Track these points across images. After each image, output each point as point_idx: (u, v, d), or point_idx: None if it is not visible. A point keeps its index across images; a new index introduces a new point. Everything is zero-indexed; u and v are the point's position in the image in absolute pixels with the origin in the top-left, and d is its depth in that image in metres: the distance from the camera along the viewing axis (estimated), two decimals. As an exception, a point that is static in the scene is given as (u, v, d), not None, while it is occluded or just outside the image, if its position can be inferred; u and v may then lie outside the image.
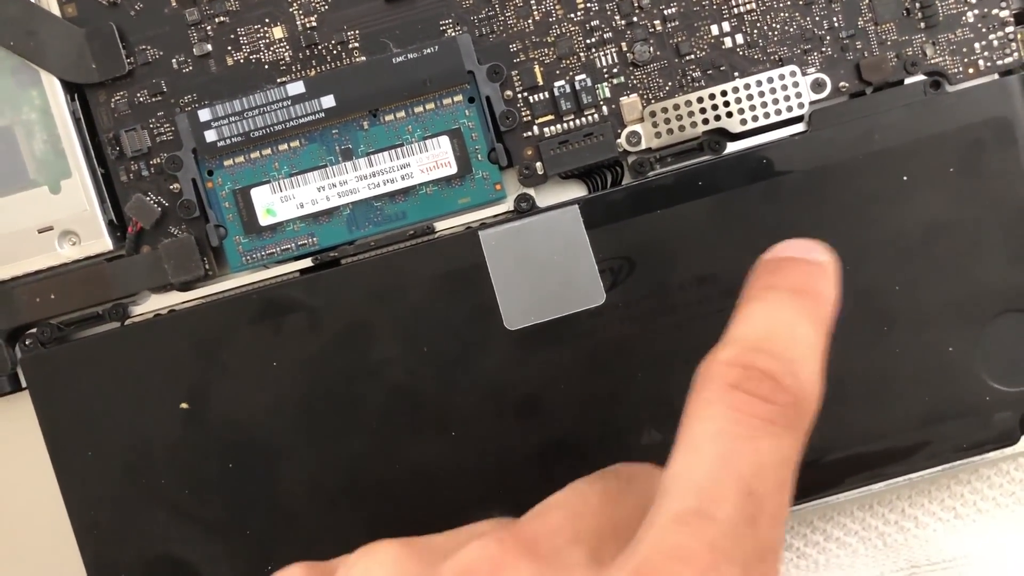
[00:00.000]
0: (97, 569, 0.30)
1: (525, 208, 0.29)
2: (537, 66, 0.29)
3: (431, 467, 0.29)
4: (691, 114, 0.29)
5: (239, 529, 0.30)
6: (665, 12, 0.29)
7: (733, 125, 0.29)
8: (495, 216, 0.30)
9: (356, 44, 0.29)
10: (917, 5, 0.29)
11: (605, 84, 0.29)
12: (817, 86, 0.29)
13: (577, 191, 0.30)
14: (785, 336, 0.20)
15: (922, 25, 0.29)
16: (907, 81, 0.29)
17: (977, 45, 0.29)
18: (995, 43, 0.29)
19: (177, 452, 0.29)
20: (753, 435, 0.18)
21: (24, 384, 0.30)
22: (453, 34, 0.29)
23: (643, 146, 0.29)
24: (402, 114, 0.29)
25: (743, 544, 0.17)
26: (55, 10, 0.29)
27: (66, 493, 0.30)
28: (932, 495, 0.32)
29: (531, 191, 0.30)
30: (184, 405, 0.29)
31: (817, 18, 0.29)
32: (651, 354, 0.29)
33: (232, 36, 0.29)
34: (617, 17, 0.29)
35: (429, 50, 0.29)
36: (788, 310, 0.21)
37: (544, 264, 0.29)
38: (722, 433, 0.18)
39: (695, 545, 0.17)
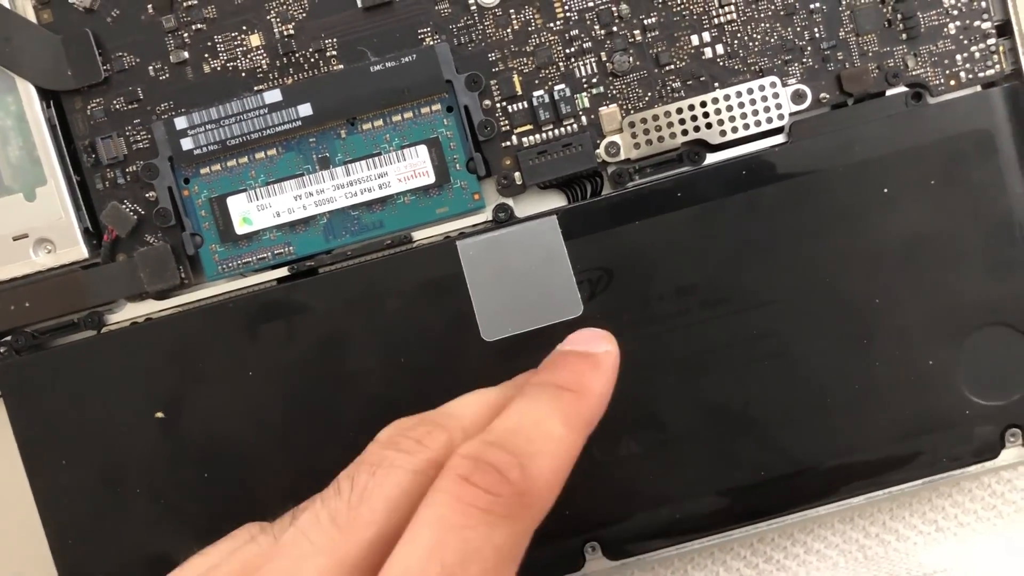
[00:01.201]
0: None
1: (503, 218, 0.29)
2: (516, 75, 0.29)
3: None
4: (671, 125, 0.29)
5: (214, 539, 0.29)
6: (645, 22, 0.29)
7: (713, 136, 0.29)
8: (473, 226, 0.30)
9: (334, 52, 0.29)
10: (899, 16, 0.29)
11: (584, 94, 0.29)
12: (798, 97, 0.29)
13: (557, 201, 0.30)
14: (527, 431, 0.22)
15: (904, 36, 0.29)
16: (888, 93, 0.29)
17: (959, 57, 0.29)
18: (977, 55, 0.29)
19: (152, 461, 0.29)
20: (466, 524, 0.20)
21: (0, 395, 0.30)
22: (431, 43, 0.29)
23: (622, 157, 0.29)
24: (380, 123, 0.29)
25: None
26: (31, 16, 0.29)
27: (40, 502, 0.29)
28: (913, 508, 0.32)
29: (509, 201, 0.29)
30: (159, 414, 0.29)
31: (798, 29, 0.29)
32: (629, 365, 0.29)
33: (209, 43, 0.29)
34: (597, 27, 0.29)
35: (407, 59, 0.29)
36: (542, 406, 0.23)
37: (522, 275, 0.29)
38: (439, 520, 0.20)
39: None
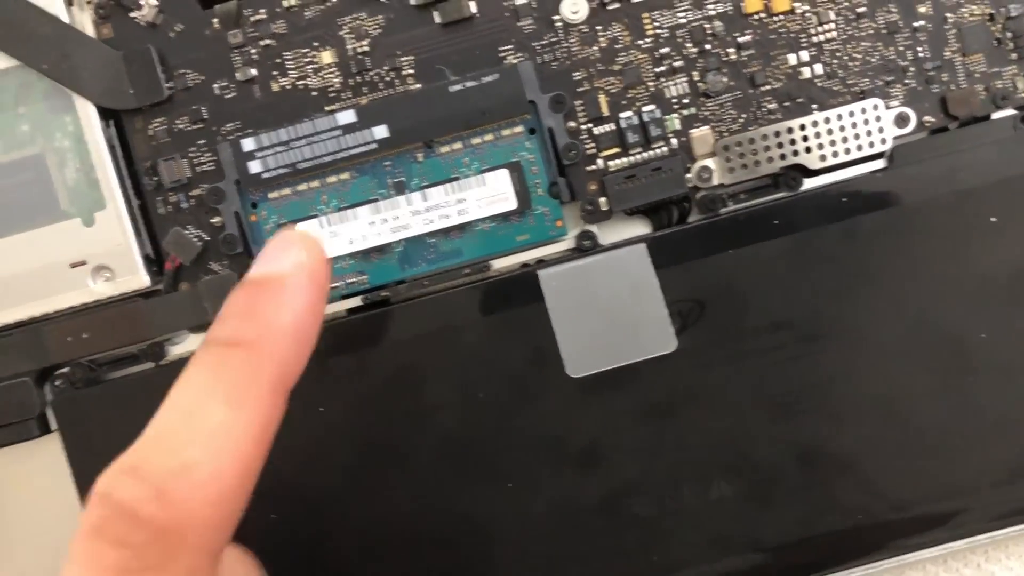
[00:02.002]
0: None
1: (588, 246, 0.28)
2: (603, 96, 0.27)
3: (485, 519, 0.28)
4: (767, 148, 0.27)
5: (279, 582, 0.28)
6: (739, 40, 0.27)
7: (811, 161, 0.27)
8: (555, 254, 0.28)
9: (411, 71, 0.27)
10: (1008, 35, 0.27)
11: (675, 115, 0.27)
12: (900, 120, 0.27)
13: (640, 228, 0.28)
14: (176, 434, 0.17)
15: (1013, 56, 0.27)
16: (995, 116, 0.28)
17: (1072, 78, 0.27)
18: (1092, 76, 0.27)
19: (215, 501, 0.28)
20: None
21: (54, 427, 0.28)
22: (514, 61, 0.27)
23: (715, 182, 0.27)
24: (458, 145, 0.27)
25: None
26: (90, 31, 0.27)
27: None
28: (1010, 550, 0.30)
29: (594, 228, 0.28)
30: (224, 451, 0.28)
31: (901, 48, 0.27)
32: (720, 403, 0.27)
33: (278, 60, 0.27)
34: (688, 44, 0.27)
35: (489, 78, 0.27)
36: (199, 384, 0.18)
37: (609, 306, 0.27)
38: None
39: None
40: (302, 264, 0.19)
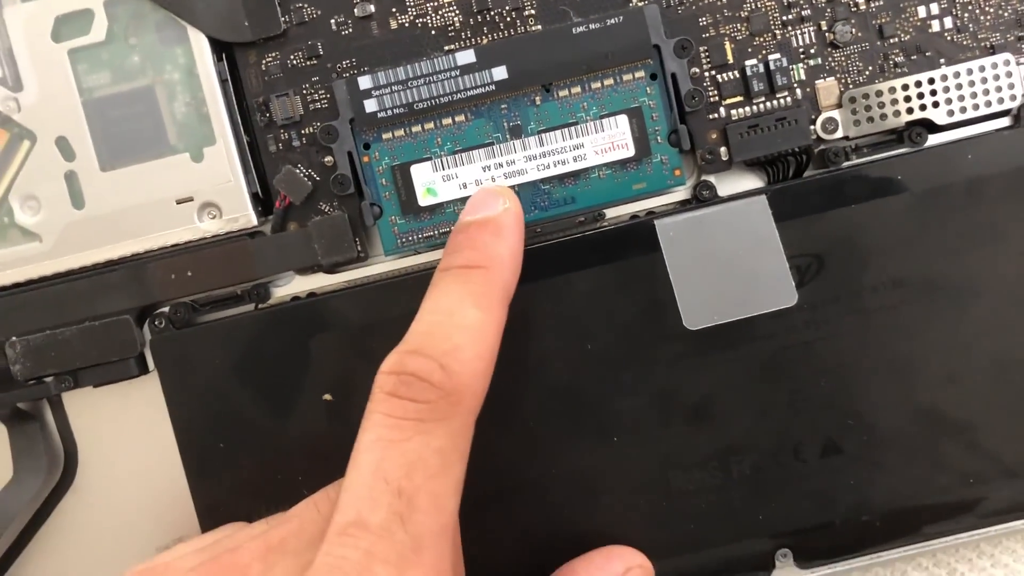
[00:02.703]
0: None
1: (706, 197, 0.27)
2: (728, 42, 0.27)
3: (590, 472, 0.27)
4: (894, 102, 0.27)
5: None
6: (870, -11, 0.27)
7: (939, 116, 0.27)
8: (671, 205, 0.28)
9: (532, 11, 0.27)
10: None
11: (800, 65, 0.27)
12: (1031, 77, 0.27)
13: (753, 179, 0.28)
14: (442, 327, 0.22)
15: None
16: None
17: None
18: None
19: (317, 447, 0.27)
20: (402, 437, 0.20)
21: (153, 367, 0.27)
22: (640, 4, 0.27)
23: (839, 134, 0.27)
24: (577, 89, 0.27)
25: (395, 542, 0.19)
26: (204, -39, 0.26)
27: (193, 483, 0.27)
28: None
29: (712, 178, 0.27)
30: (327, 397, 0.27)
31: (1034, 2, 0.27)
32: (837, 360, 0.27)
33: (398, -4, 0.27)
34: (817, -8, 0.27)
35: (613, 20, 0.26)
36: (452, 295, 0.22)
37: (727, 259, 0.27)
38: (377, 441, 0.20)
39: (353, 555, 0.19)
40: (510, 209, 0.24)
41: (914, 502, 0.27)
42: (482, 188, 0.25)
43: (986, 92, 0.27)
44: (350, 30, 0.27)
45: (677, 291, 0.27)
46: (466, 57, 0.26)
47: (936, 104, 0.27)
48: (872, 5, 0.27)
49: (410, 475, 0.20)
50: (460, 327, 0.22)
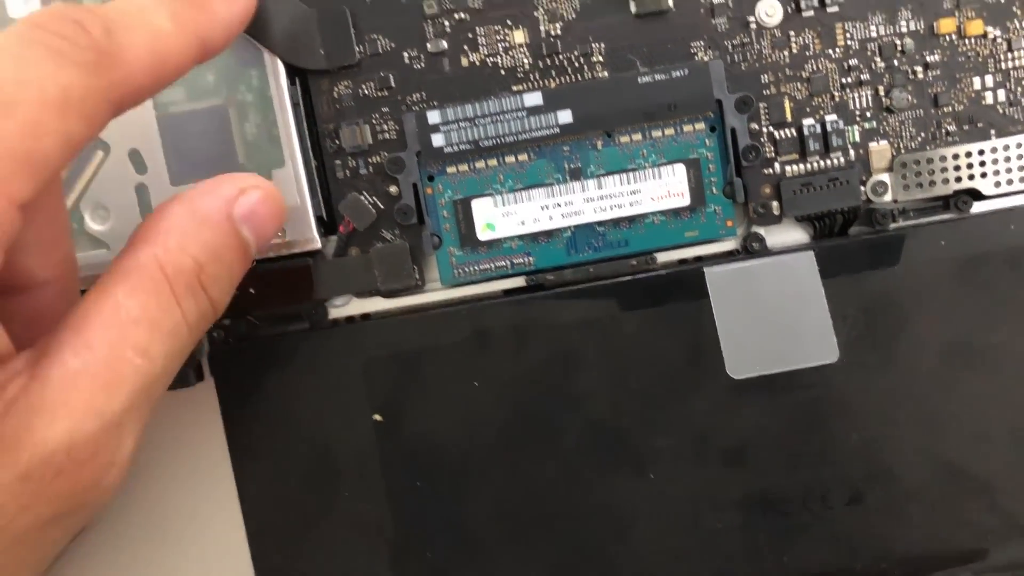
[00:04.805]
0: (266, 573, 0.28)
1: (755, 249, 0.28)
2: (788, 101, 0.27)
3: (624, 507, 0.28)
4: (944, 170, 0.27)
5: (417, 550, 0.28)
6: (928, 59, 0.27)
7: (986, 186, 0.28)
8: (720, 254, 0.28)
9: (600, 58, 0.27)
10: None
11: (856, 127, 0.28)
12: (1077, 154, 0.28)
13: (799, 231, 0.29)
14: (125, 5, 0.20)
15: None
16: None
17: None
18: None
19: (364, 464, 0.28)
20: (29, 54, 0.18)
21: (208, 375, 0.28)
22: (705, 58, 0.27)
23: (888, 197, 0.28)
24: (638, 136, 0.28)
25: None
26: (283, -14, 0.27)
27: (243, 493, 0.28)
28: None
29: (761, 230, 0.28)
30: (377, 417, 0.28)
31: (1085, 82, 0.28)
32: (869, 413, 0.28)
33: (470, 35, 0.27)
34: (877, 59, 0.27)
35: (678, 73, 0.27)
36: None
37: (772, 310, 0.27)
38: (7, 50, 0.18)
39: None
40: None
41: (933, 553, 0.28)
42: None
43: (1033, 166, 0.28)
44: (422, 65, 0.27)
45: (723, 339, 0.27)
46: (533, 99, 0.27)
47: (984, 174, 0.28)
48: (929, 74, 0.27)
49: (20, 84, 0.18)
50: (145, 20, 0.20)
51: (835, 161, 0.28)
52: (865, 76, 0.27)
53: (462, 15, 0.27)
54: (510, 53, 0.27)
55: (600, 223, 0.28)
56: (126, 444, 0.20)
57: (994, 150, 0.27)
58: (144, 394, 0.20)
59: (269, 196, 0.22)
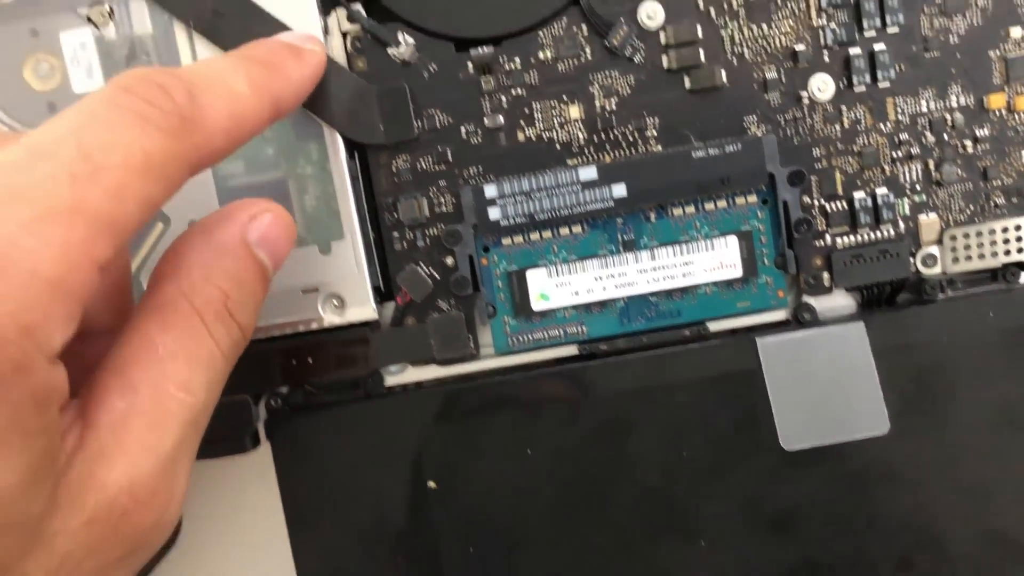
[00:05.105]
0: (320, 638, 0.29)
1: (807, 319, 0.28)
2: (839, 174, 0.28)
3: (675, 574, 0.29)
4: (993, 243, 0.28)
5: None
6: (977, 133, 0.28)
7: (1034, 259, 0.28)
8: (771, 323, 0.29)
9: (654, 132, 0.28)
10: None
11: (906, 200, 0.28)
12: (1124, 227, 0.28)
13: (848, 298, 0.29)
14: (207, 74, 0.21)
15: None
16: None
17: None
18: None
19: (418, 531, 0.29)
20: (117, 119, 0.19)
21: (265, 440, 0.29)
22: (758, 133, 0.28)
23: (938, 269, 0.28)
24: (691, 209, 0.28)
25: (49, 193, 0.17)
26: (343, 62, 0.27)
27: (298, 559, 0.29)
28: None
29: (812, 301, 0.29)
30: (432, 484, 0.28)
31: None
32: (918, 482, 0.28)
33: (527, 111, 0.28)
34: (928, 133, 0.28)
35: (732, 147, 0.27)
36: (229, 63, 0.22)
37: (823, 381, 0.28)
38: (88, 112, 0.19)
39: None
40: (319, 54, 0.25)
41: (979, 619, 0.29)
42: (299, 32, 0.25)
43: (1081, 239, 0.28)
44: (479, 139, 0.28)
45: (775, 410, 0.28)
46: (588, 173, 0.27)
47: (1033, 247, 0.28)
48: (979, 148, 0.28)
49: (107, 150, 0.18)
50: (224, 85, 0.21)
51: (885, 233, 0.28)
52: (915, 150, 0.28)
53: (519, 91, 0.28)
54: (566, 128, 0.28)
55: (653, 294, 0.28)
56: (180, 479, 0.20)
57: (1043, 223, 0.28)
58: (192, 427, 0.20)
59: (279, 218, 0.23)
